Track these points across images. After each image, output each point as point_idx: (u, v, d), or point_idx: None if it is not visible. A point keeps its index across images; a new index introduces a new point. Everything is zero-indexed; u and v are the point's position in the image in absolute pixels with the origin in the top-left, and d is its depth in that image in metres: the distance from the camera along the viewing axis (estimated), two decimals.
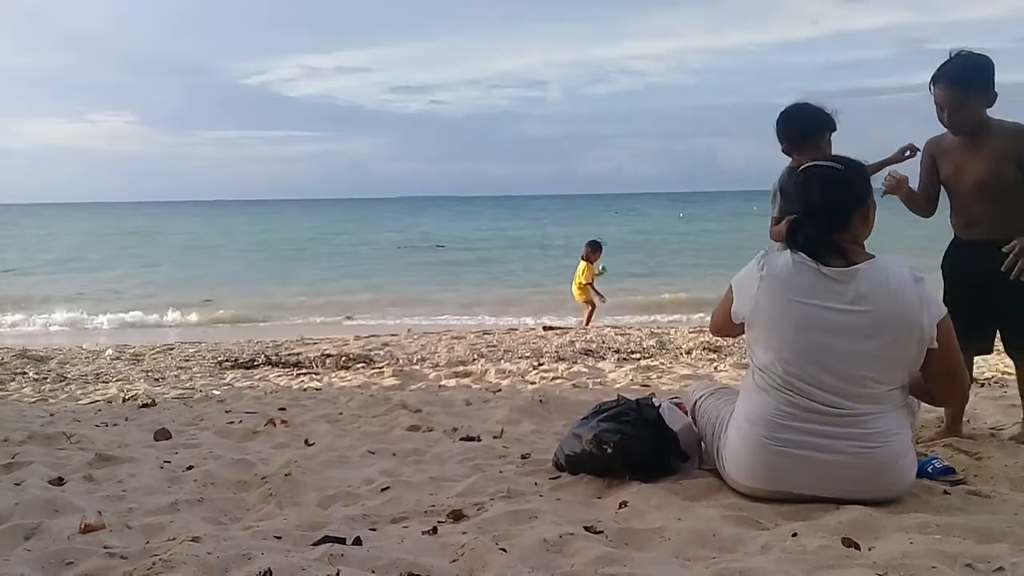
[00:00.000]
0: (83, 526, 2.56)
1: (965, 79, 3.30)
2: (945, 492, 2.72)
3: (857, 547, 2.14)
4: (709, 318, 3.22)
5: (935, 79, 3.36)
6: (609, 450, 2.93)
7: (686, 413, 3.10)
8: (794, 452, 2.57)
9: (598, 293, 11.44)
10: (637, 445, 2.93)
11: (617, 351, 7.85)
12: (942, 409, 3.54)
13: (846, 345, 2.54)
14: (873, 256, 2.65)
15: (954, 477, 2.91)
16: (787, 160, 3.94)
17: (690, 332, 9.29)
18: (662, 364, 6.83)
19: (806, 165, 2.85)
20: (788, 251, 2.70)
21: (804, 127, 3.78)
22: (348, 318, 11.84)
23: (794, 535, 2.26)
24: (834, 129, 3.80)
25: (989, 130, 3.34)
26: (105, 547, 2.35)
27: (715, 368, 6.46)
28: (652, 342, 8.41)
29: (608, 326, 10.63)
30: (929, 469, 2.88)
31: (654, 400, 3.13)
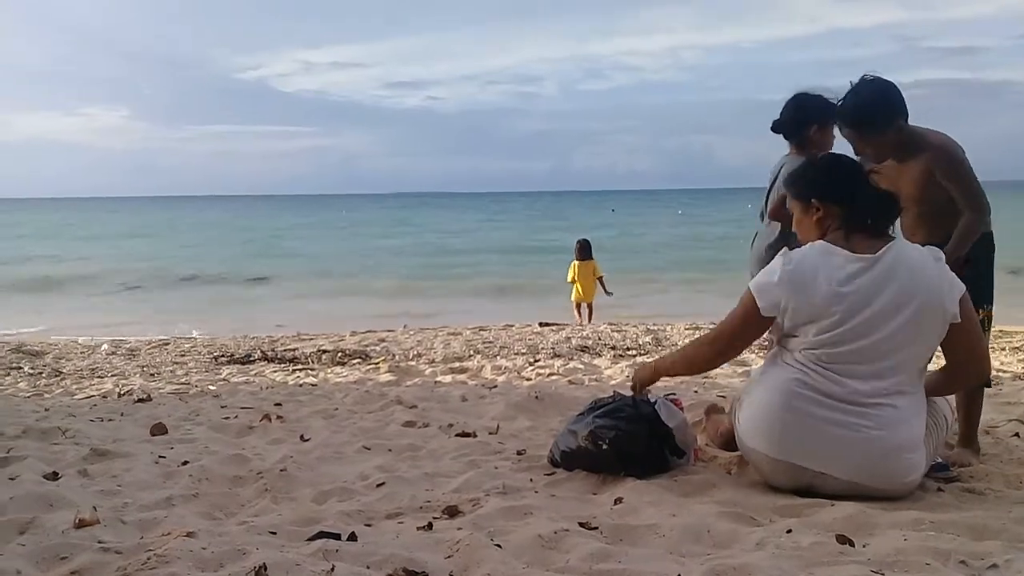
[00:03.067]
0: (77, 521, 2.55)
1: (861, 119, 3.15)
2: (939, 489, 2.73)
3: (851, 543, 2.15)
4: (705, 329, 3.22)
5: (836, 118, 3.26)
6: (604, 446, 2.93)
7: (681, 409, 3.11)
8: (805, 422, 2.65)
9: (606, 291, 11.60)
10: (632, 441, 2.93)
11: (613, 348, 7.86)
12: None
13: (873, 324, 2.61)
14: (894, 238, 2.77)
15: (948, 474, 2.92)
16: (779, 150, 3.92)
17: (686, 329, 9.31)
18: None
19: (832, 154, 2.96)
20: (807, 245, 2.80)
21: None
22: (405, 326, 11.11)
23: (789, 531, 2.27)
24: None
25: (915, 145, 3.15)
26: (99, 542, 2.35)
27: None
28: (648, 339, 8.42)
29: (604, 323, 10.64)
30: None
31: (650, 396, 3.13)
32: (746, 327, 2.86)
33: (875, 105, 3.13)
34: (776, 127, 3.90)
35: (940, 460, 2.99)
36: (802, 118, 3.81)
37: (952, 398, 3.21)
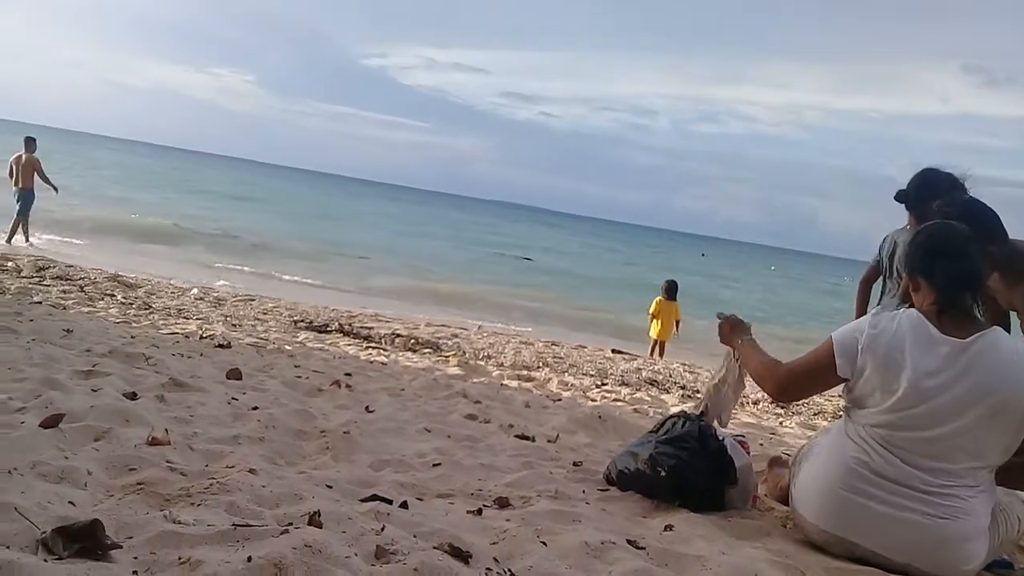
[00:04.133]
0: (150, 439, 2.67)
1: None
2: None
3: None
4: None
5: None
6: (663, 473, 2.90)
7: (748, 452, 3.06)
8: (862, 502, 2.54)
9: (677, 332, 11.79)
10: (692, 473, 2.90)
11: (683, 387, 7.76)
12: None
13: (948, 412, 2.48)
14: (992, 327, 2.59)
15: (1011, 572, 2.80)
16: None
17: None
18: None
19: (940, 223, 2.80)
20: (904, 310, 2.66)
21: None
22: (479, 327, 11.48)
23: None
24: None
25: (1019, 266, 3.04)
26: (167, 461, 2.45)
27: (780, 423, 6.32)
28: None
29: (677, 361, 10.52)
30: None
31: (717, 432, 3.09)
32: (816, 377, 2.75)
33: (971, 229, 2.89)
34: (899, 196, 3.83)
35: (1005, 557, 2.87)
36: (927, 193, 3.71)
37: None
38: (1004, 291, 3.06)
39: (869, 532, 2.55)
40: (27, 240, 13.59)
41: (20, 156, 13.47)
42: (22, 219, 13.53)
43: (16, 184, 13.39)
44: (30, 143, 13.56)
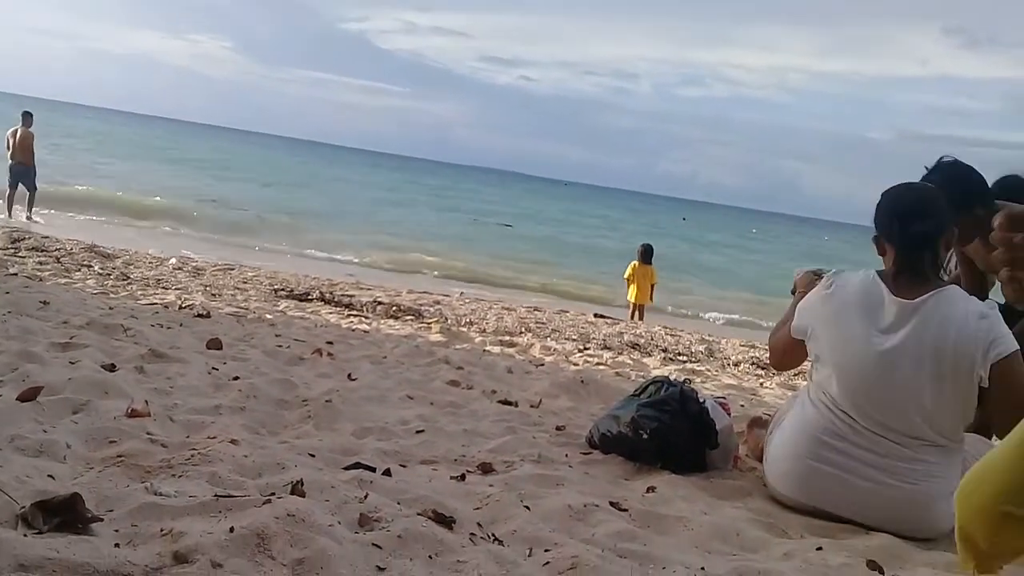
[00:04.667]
0: (130, 411, 2.65)
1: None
2: None
3: (881, 572, 2.11)
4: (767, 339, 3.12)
5: None
6: (645, 436, 2.92)
7: (729, 413, 3.08)
8: (830, 471, 2.57)
9: (651, 299, 12.08)
10: (674, 436, 2.92)
11: (664, 350, 7.79)
12: None
13: (900, 373, 2.49)
14: (947, 286, 2.59)
15: None
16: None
17: (741, 345, 9.18)
18: (707, 370, 6.77)
19: (902, 184, 2.77)
20: (862, 272, 2.66)
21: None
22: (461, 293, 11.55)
23: (819, 549, 2.24)
24: None
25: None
26: (148, 433, 2.44)
27: (761, 384, 6.38)
28: (701, 348, 8.33)
29: (659, 325, 10.57)
30: None
31: (698, 395, 3.11)
32: (786, 346, 2.81)
33: (951, 193, 2.84)
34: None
35: None
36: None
37: None
38: (984, 253, 3.02)
39: (840, 501, 2.57)
40: (29, 215, 13.65)
41: (16, 130, 13.50)
42: (31, 194, 13.67)
43: (13, 158, 13.44)
44: (27, 117, 13.63)
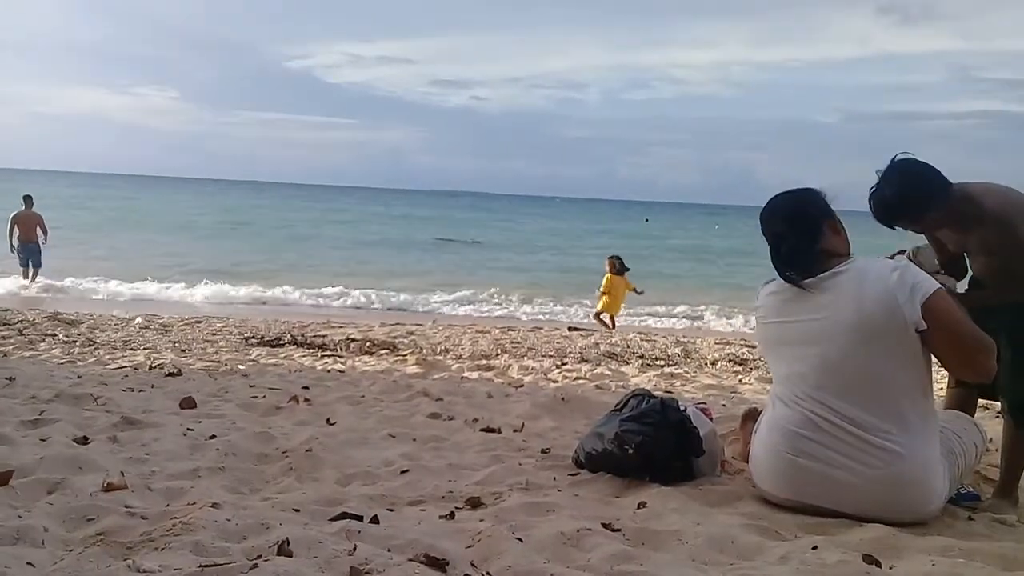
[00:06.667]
0: (105, 485, 2.59)
1: (892, 215, 2.91)
2: (970, 518, 2.67)
3: (878, 564, 2.11)
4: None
5: (871, 209, 2.95)
6: (630, 451, 2.91)
7: (711, 419, 3.08)
8: (810, 465, 2.59)
9: (637, 291, 12.30)
10: (659, 448, 2.91)
11: (642, 356, 7.81)
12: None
13: (837, 350, 2.55)
14: (851, 258, 2.66)
15: (979, 504, 2.87)
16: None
17: (716, 343, 9.23)
18: (686, 372, 6.79)
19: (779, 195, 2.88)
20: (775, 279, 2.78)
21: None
22: (434, 320, 11.56)
23: (814, 548, 2.23)
24: None
25: (969, 216, 2.85)
26: (126, 506, 2.38)
27: (740, 380, 6.41)
28: (677, 350, 8.36)
29: (634, 331, 10.60)
30: (954, 494, 2.83)
31: (679, 404, 3.10)
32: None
33: (906, 197, 2.86)
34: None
35: (971, 489, 2.93)
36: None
37: (995, 435, 3.15)
38: (957, 237, 3.01)
39: (821, 492, 2.58)
40: (32, 282, 14.76)
41: (18, 214, 14.67)
42: (36, 269, 14.82)
43: (19, 239, 14.60)
44: (28, 200, 14.81)
